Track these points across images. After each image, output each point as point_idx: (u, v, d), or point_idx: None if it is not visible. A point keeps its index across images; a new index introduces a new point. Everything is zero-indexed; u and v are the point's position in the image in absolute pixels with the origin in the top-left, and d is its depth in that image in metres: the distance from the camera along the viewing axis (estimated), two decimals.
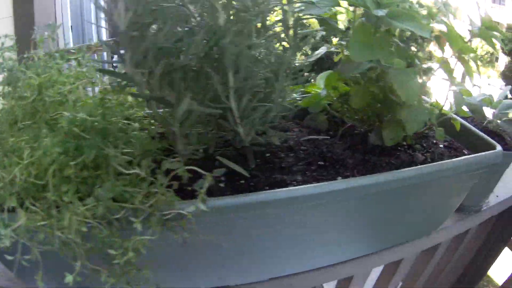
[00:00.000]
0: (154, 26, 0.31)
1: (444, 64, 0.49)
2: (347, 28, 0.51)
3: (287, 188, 0.36)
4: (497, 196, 0.86)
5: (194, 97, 0.33)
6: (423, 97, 0.59)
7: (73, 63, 0.41)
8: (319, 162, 0.43)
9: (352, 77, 0.48)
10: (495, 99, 0.76)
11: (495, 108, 0.72)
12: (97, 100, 0.36)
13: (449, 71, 0.50)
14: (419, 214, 0.57)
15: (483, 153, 0.55)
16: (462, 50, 0.46)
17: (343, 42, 0.46)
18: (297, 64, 0.39)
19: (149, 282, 0.30)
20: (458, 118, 0.64)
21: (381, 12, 0.39)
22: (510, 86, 0.94)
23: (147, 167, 0.30)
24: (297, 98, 0.52)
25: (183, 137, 0.32)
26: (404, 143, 0.52)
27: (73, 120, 0.31)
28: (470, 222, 0.78)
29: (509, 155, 0.68)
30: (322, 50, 0.55)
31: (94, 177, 0.30)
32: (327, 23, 0.47)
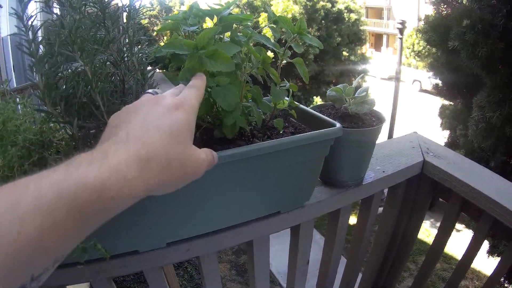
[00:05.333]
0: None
1: (261, 69, 0.69)
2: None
3: None
4: (383, 171, 1.02)
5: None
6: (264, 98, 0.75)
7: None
8: None
9: None
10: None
11: (349, 96, 0.86)
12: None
13: (267, 77, 0.70)
14: (284, 186, 0.72)
15: (323, 130, 0.69)
16: (264, 59, 0.67)
17: None
18: None
19: None
20: (302, 106, 0.78)
21: (200, 53, 0.58)
22: (363, 74, 1.12)
23: None
24: None
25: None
26: (249, 134, 0.71)
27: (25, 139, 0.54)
28: (354, 195, 0.91)
29: (368, 132, 0.82)
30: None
31: None
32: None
